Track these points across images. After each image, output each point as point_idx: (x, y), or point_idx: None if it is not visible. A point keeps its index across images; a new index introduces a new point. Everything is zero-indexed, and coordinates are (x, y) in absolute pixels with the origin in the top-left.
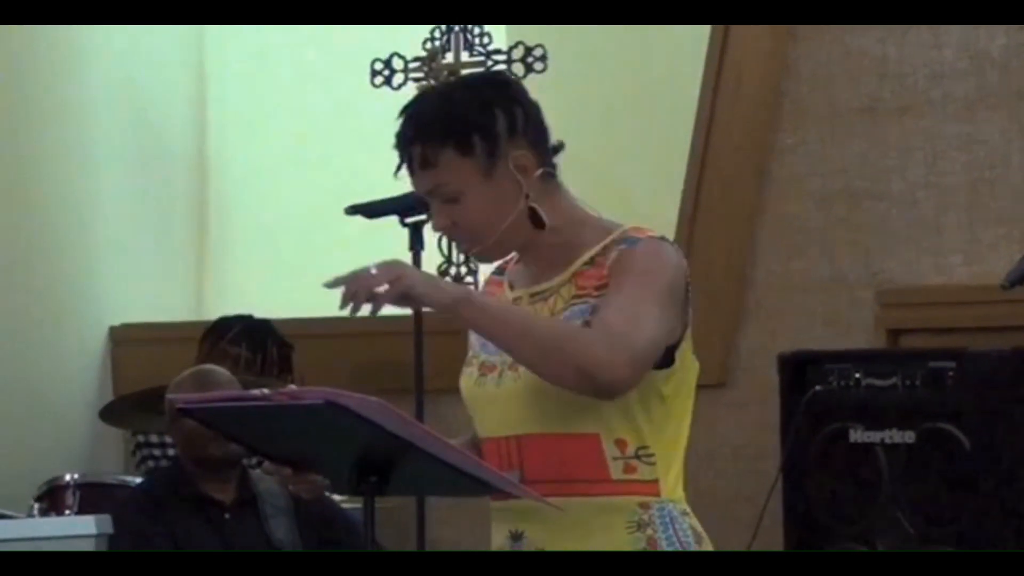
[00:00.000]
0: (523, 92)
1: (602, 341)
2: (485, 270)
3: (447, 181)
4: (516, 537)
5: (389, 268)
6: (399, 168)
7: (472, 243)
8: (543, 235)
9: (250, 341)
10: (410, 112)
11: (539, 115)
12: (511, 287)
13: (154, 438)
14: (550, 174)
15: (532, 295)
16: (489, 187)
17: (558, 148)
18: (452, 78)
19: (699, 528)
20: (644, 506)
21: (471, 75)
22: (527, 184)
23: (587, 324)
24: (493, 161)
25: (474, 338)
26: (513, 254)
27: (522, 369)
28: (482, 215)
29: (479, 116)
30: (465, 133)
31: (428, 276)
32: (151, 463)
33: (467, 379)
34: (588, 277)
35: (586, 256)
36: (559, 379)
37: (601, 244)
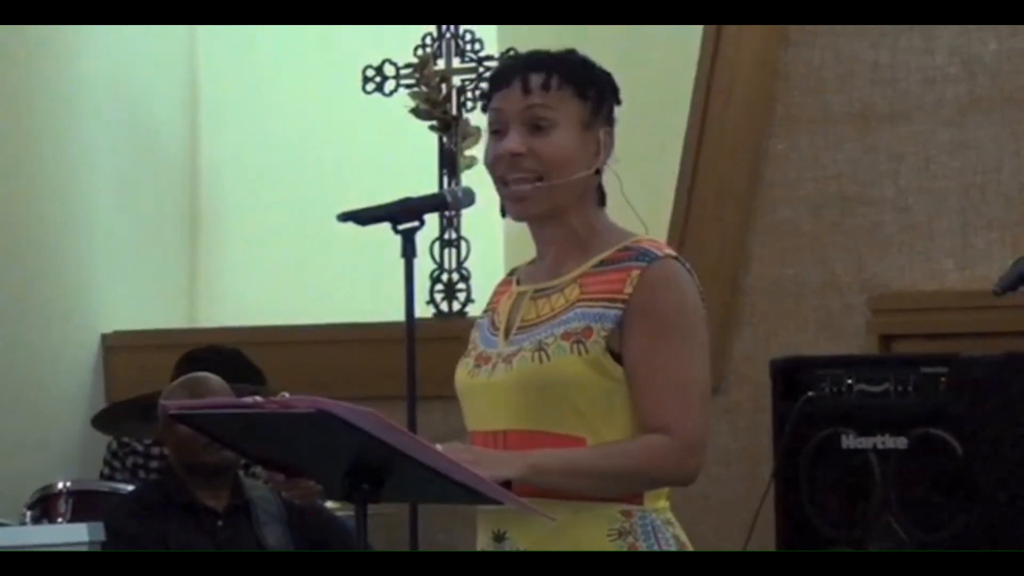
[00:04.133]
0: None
1: (666, 449)
2: (477, 278)
3: (552, 107)
4: (499, 538)
5: (457, 454)
6: (495, 87)
7: (532, 181)
8: (573, 219)
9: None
10: (542, 52)
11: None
12: (518, 283)
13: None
14: (600, 172)
15: (536, 291)
16: (580, 137)
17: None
18: (443, 84)
19: (683, 537)
20: (626, 514)
21: None
22: (602, 158)
23: (641, 411)
24: (594, 120)
25: (476, 332)
26: (526, 256)
27: (515, 361)
28: (561, 154)
29: (604, 80)
30: (589, 83)
31: (488, 458)
32: (117, 465)
33: (462, 369)
34: (597, 282)
35: (596, 259)
36: (642, 493)
37: (612, 249)
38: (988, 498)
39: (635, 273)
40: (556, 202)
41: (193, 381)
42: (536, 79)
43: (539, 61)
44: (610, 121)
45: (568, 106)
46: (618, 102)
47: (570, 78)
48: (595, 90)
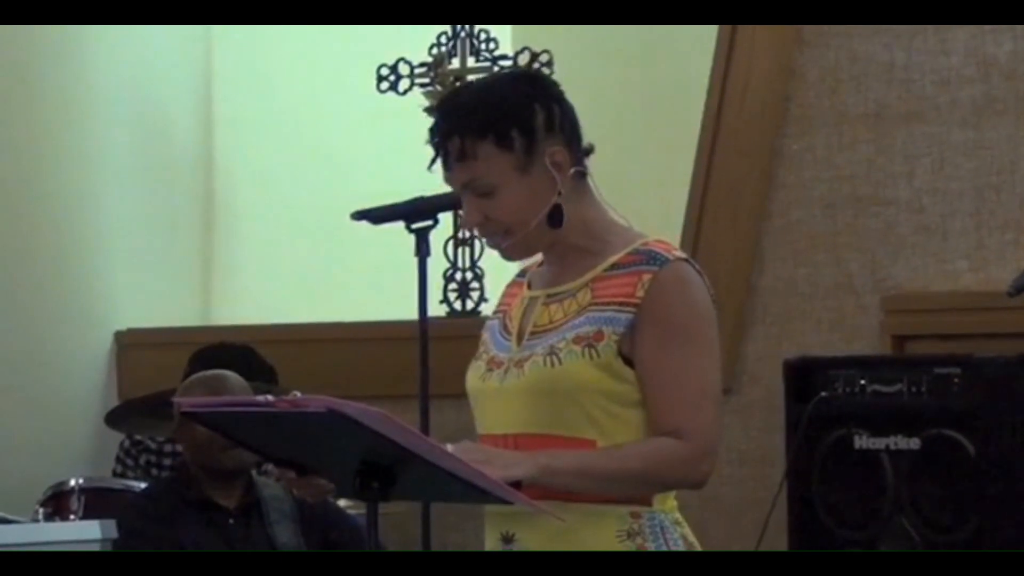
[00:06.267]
0: (560, 91)
1: (678, 452)
2: (490, 277)
3: (483, 174)
4: (508, 540)
5: (469, 454)
6: (433, 162)
7: (503, 238)
8: (569, 235)
9: None
10: (448, 105)
11: (574, 115)
12: (529, 286)
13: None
14: (582, 174)
15: (549, 295)
16: (524, 182)
17: (589, 151)
18: (458, 83)
19: (691, 538)
20: (635, 515)
21: (510, 70)
22: (561, 180)
23: (650, 414)
24: (530, 156)
25: (487, 334)
26: (537, 257)
27: (527, 367)
28: (516, 210)
29: (519, 110)
30: (504, 126)
31: (499, 458)
32: (130, 462)
33: (473, 372)
34: (608, 286)
35: (607, 263)
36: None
37: (623, 252)
38: (1001, 499)
39: (646, 277)
40: (537, 242)
41: (212, 378)
42: (455, 149)
43: (449, 125)
44: (552, 131)
45: (496, 163)
46: (558, 102)
47: (483, 132)
48: (517, 128)
